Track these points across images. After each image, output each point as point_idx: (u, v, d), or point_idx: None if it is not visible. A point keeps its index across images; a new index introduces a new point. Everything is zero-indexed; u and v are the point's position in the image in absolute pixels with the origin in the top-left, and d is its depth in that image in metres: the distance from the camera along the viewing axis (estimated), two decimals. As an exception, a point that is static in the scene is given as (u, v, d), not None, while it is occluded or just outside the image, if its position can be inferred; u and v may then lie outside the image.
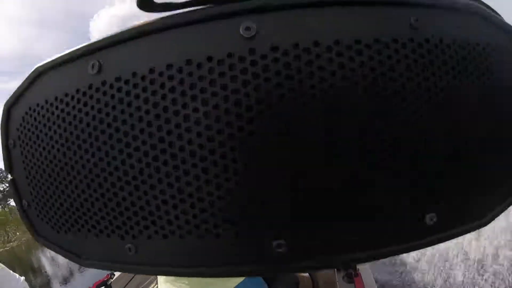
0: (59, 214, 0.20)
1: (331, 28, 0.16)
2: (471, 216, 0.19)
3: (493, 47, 0.19)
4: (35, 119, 0.20)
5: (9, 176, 0.23)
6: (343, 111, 0.15)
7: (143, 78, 0.16)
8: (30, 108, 0.21)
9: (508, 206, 0.19)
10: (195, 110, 0.16)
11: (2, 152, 0.23)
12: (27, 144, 0.21)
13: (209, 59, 0.16)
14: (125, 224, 0.18)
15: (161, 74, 0.16)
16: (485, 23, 0.20)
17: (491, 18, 0.20)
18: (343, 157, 0.15)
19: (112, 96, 0.17)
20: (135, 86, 0.16)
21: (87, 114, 0.18)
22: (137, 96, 0.16)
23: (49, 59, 0.20)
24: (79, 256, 0.21)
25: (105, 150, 0.17)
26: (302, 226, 0.16)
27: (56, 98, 0.19)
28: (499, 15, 0.21)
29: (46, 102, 0.20)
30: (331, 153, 0.15)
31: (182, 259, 0.18)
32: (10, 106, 0.22)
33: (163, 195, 0.16)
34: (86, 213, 0.19)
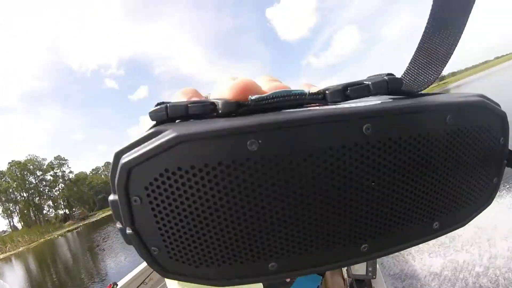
0: (202, 254, 0.25)
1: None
2: (458, 221, 0.32)
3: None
4: (175, 181, 0.23)
5: (129, 229, 0.25)
6: None
7: (304, 158, 0.23)
8: (167, 171, 0.23)
9: (478, 214, 0.34)
10: (345, 184, 0.24)
11: (122, 208, 0.24)
12: (162, 201, 0.24)
13: (343, 146, 0.24)
14: (271, 250, 0.25)
15: (317, 158, 0.23)
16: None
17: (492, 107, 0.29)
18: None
19: (270, 168, 0.23)
20: (291, 163, 0.23)
21: (244, 181, 0.23)
22: (298, 173, 0.23)
23: (189, 132, 0.22)
24: (218, 280, 0.26)
25: (263, 213, 0.23)
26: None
27: (206, 165, 0.23)
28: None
29: (193, 167, 0.23)
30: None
31: (316, 262, 0.26)
32: (133, 167, 0.23)
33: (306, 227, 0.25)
34: (235, 249, 0.25)
